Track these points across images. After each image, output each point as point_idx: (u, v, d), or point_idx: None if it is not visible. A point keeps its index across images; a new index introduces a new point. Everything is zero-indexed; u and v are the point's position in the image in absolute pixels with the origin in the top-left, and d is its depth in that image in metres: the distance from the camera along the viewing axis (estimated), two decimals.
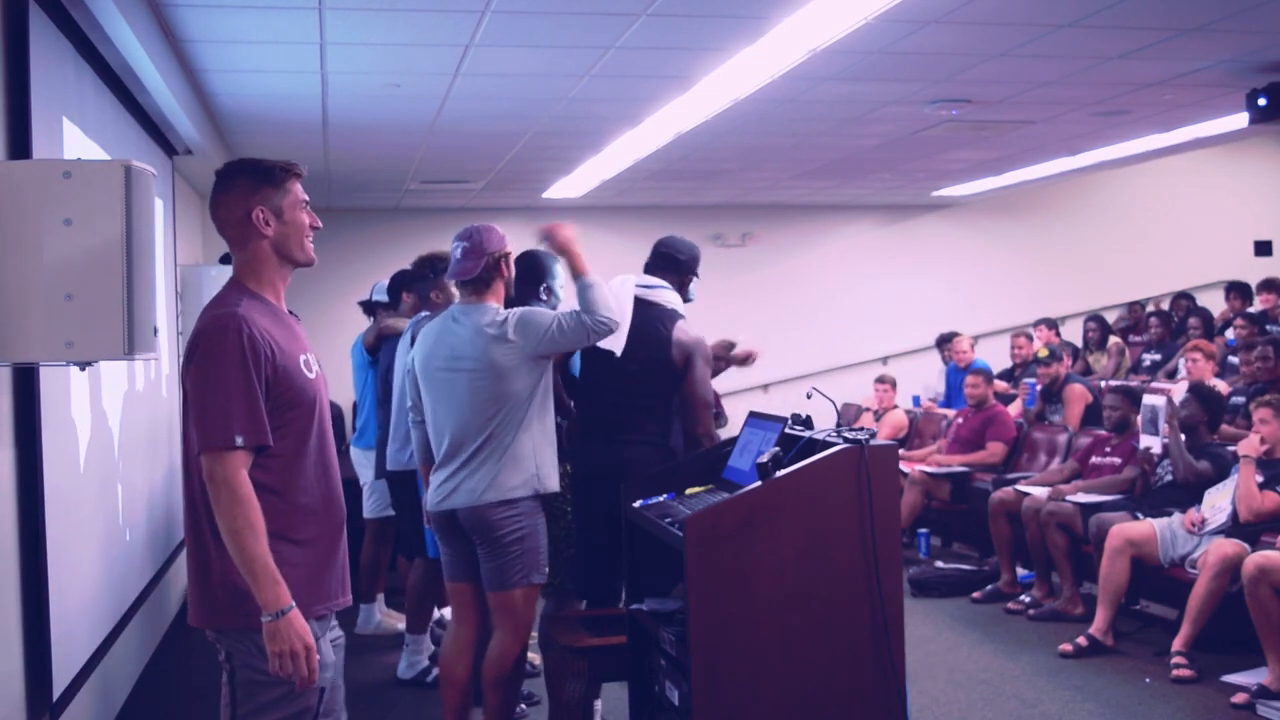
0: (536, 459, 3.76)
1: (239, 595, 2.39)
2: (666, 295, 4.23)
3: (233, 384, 2.38)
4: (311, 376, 2.57)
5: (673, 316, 4.17)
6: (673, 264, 4.35)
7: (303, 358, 2.56)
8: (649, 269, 4.36)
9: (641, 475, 3.91)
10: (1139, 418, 6.02)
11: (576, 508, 4.28)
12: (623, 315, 4.06)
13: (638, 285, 4.22)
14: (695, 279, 4.41)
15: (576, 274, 3.78)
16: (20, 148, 3.28)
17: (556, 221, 3.92)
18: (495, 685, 3.84)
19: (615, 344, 4.08)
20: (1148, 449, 5.88)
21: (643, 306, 4.17)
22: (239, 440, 2.36)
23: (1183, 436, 5.69)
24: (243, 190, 2.53)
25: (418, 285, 5.11)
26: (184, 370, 2.48)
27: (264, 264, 2.57)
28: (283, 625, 2.34)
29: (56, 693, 3.47)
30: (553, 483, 3.82)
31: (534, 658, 4.95)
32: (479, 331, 3.73)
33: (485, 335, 3.72)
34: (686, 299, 4.34)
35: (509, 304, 3.89)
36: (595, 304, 3.70)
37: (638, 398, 4.14)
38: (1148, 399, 6.01)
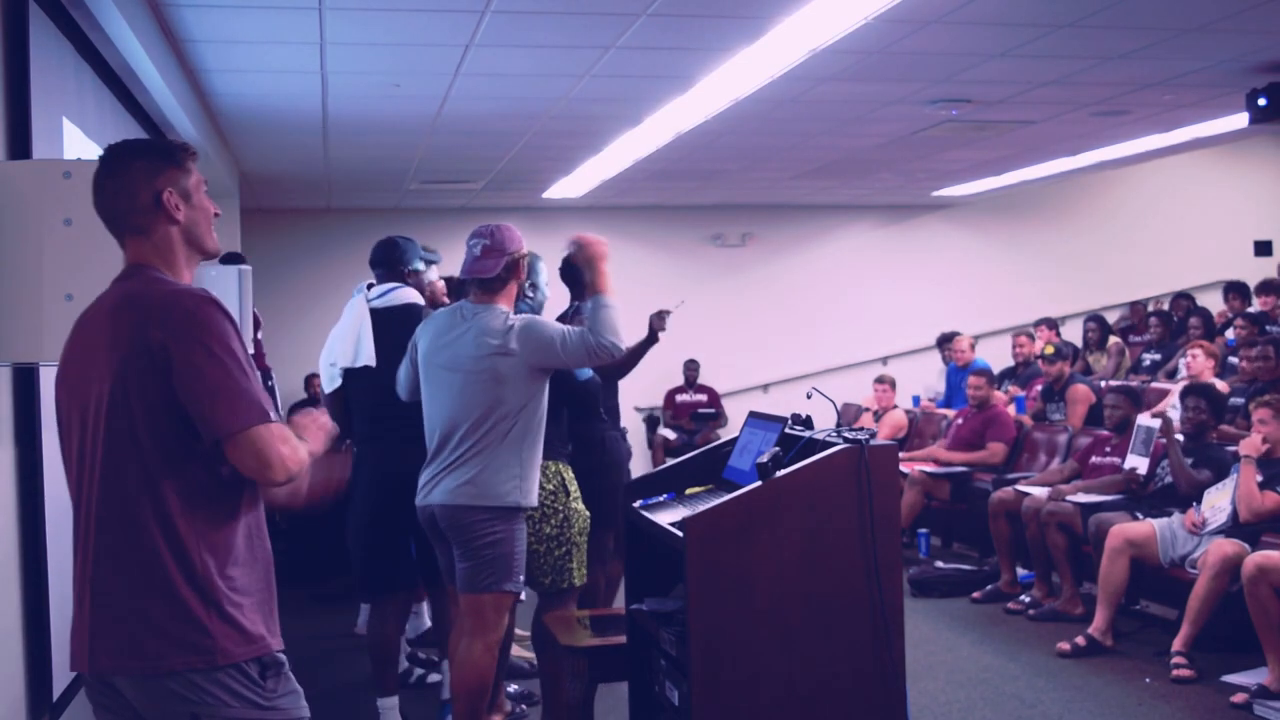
0: (521, 471, 3.72)
1: (200, 629, 2.08)
2: (408, 293, 4.50)
3: (248, 369, 2.14)
4: None
5: (421, 309, 4.38)
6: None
7: None
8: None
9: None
10: (1132, 437, 6.04)
11: (379, 508, 4.38)
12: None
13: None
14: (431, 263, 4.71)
15: (596, 290, 3.71)
16: (20, 148, 3.27)
17: (594, 236, 3.86)
18: (461, 694, 3.78)
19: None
20: (1134, 469, 5.91)
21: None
22: (272, 415, 2.15)
23: (1180, 438, 5.70)
24: (144, 172, 2.22)
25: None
26: (156, 352, 2.08)
27: (176, 251, 2.24)
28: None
29: (56, 693, 3.47)
30: (532, 498, 3.78)
31: (529, 655, 4.96)
32: (484, 334, 3.70)
33: (488, 340, 3.69)
34: (421, 290, 4.60)
35: None
36: (603, 325, 3.62)
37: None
38: (1142, 420, 6.04)
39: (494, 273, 3.74)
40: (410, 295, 4.50)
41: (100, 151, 2.29)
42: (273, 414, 2.14)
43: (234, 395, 2.09)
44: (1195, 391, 5.89)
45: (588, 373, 4.27)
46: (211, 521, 2.12)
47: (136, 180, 2.21)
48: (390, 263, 4.56)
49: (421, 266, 4.68)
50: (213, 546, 2.11)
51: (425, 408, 3.87)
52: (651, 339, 4.77)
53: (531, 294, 4.41)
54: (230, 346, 2.11)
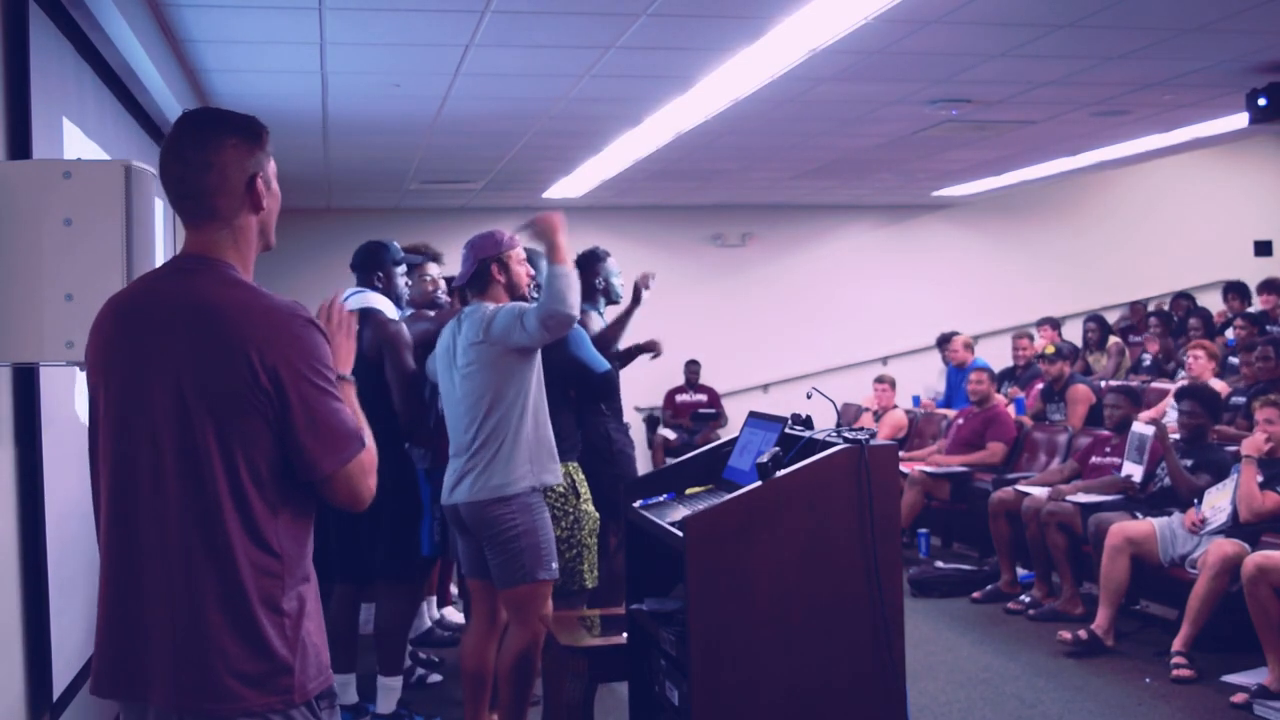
0: (530, 454, 3.85)
1: (282, 667, 1.96)
2: (369, 298, 4.59)
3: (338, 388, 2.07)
4: None
5: (374, 314, 4.47)
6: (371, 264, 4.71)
7: None
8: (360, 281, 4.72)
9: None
10: (1126, 445, 6.03)
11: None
12: None
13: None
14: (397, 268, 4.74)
15: (551, 262, 3.81)
16: (20, 148, 3.27)
17: (550, 212, 3.96)
18: (505, 679, 3.95)
19: None
20: (1129, 477, 5.90)
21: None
22: (366, 440, 2.06)
23: (1175, 438, 5.70)
24: (239, 151, 2.03)
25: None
26: (258, 375, 1.94)
27: (251, 242, 2.10)
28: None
29: (57, 692, 3.47)
30: (551, 476, 3.91)
31: None
32: (470, 330, 3.91)
33: (473, 334, 3.89)
34: (396, 294, 4.67)
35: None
36: (554, 294, 3.71)
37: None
38: (1136, 428, 6.03)
39: (465, 279, 4.00)
40: (371, 300, 4.53)
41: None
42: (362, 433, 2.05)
43: (335, 433, 1.98)
44: (1188, 394, 5.88)
45: (605, 365, 4.52)
46: (292, 545, 2.00)
47: (229, 159, 2.02)
48: (362, 267, 4.70)
49: (400, 270, 4.70)
50: (292, 572, 1.99)
51: (445, 411, 4.05)
52: (636, 302, 4.97)
53: (604, 295, 4.84)
54: (330, 371, 2.02)
